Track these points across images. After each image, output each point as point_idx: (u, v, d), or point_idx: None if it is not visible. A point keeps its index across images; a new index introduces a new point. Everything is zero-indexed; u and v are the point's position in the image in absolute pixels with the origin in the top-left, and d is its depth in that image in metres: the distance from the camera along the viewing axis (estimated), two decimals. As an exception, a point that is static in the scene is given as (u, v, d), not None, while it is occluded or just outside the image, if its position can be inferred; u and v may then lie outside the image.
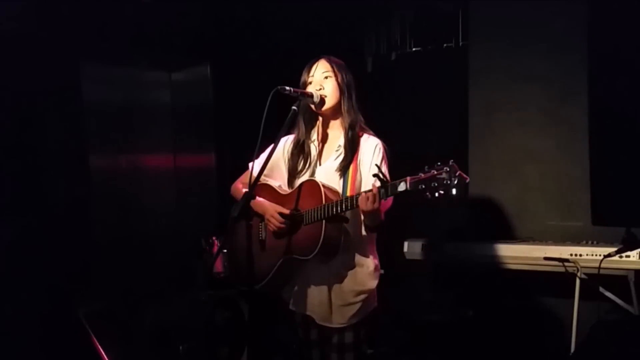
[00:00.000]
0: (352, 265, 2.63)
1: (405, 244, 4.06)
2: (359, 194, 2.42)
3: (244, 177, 2.79)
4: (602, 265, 3.32)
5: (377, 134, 2.69)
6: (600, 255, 3.38)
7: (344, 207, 2.44)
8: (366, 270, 2.64)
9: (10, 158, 3.70)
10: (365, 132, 2.69)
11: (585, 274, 3.46)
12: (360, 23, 4.86)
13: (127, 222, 4.54)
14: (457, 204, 4.21)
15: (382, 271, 2.72)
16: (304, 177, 2.69)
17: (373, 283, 2.66)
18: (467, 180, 2.19)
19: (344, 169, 2.61)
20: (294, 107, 2.60)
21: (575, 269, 3.47)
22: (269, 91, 2.51)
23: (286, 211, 2.60)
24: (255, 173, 2.53)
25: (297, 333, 2.80)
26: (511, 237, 4.01)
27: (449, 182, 2.17)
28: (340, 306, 2.62)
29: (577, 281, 3.49)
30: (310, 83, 2.68)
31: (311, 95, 2.62)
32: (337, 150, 2.67)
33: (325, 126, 2.74)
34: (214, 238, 4.05)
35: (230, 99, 4.61)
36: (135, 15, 4.13)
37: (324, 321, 2.65)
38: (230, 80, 4.63)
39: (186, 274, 4.40)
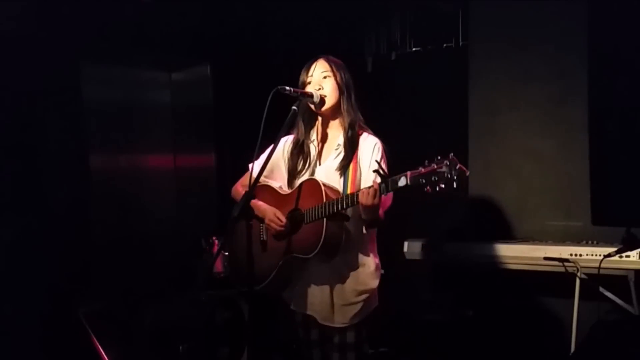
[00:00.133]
0: (354, 265, 2.63)
1: (405, 244, 4.06)
2: (359, 190, 2.42)
3: (244, 179, 2.79)
4: (602, 265, 3.32)
5: (377, 134, 2.69)
6: (600, 255, 3.38)
7: (344, 204, 2.44)
8: (367, 269, 2.64)
9: (10, 158, 3.70)
10: (365, 131, 2.69)
11: (585, 274, 3.46)
12: (360, 23, 4.86)
13: (127, 222, 4.54)
14: (458, 204, 4.22)
15: (382, 271, 2.72)
16: (304, 177, 2.69)
17: (374, 283, 2.67)
18: (467, 174, 2.18)
19: (343, 168, 2.61)
20: (294, 107, 2.61)
21: (575, 269, 3.47)
22: (269, 91, 2.51)
23: (282, 216, 2.60)
24: (255, 174, 2.53)
25: (298, 333, 2.80)
26: (511, 237, 4.01)
27: (449, 175, 2.17)
28: (342, 306, 2.62)
29: (577, 281, 3.49)
30: (309, 83, 2.68)
31: (311, 95, 2.62)
32: (336, 149, 2.67)
33: (325, 126, 2.74)
34: (214, 238, 4.05)
35: (230, 99, 4.61)
36: (135, 15, 4.13)
37: (325, 321, 2.65)
38: (230, 80, 4.63)
39: (186, 274, 4.40)
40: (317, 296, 2.66)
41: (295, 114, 2.62)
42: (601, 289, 3.46)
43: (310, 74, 2.68)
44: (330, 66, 2.67)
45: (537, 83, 4.04)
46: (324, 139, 2.73)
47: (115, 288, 4.06)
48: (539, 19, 4.02)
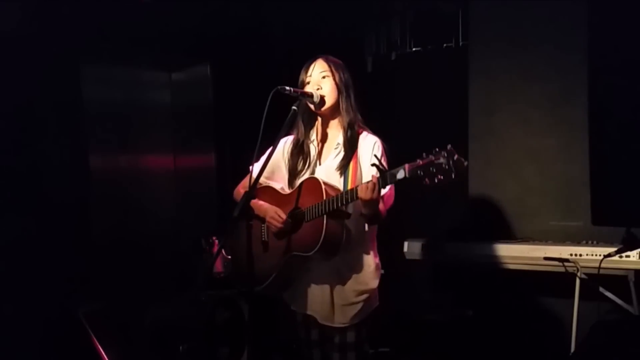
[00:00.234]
0: (354, 265, 2.63)
1: (405, 244, 4.06)
2: (358, 185, 2.42)
3: (245, 182, 2.78)
4: (602, 265, 3.32)
5: (377, 134, 2.69)
6: (600, 255, 3.38)
7: (344, 200, 2.43)
8: (367, 269, 2.65)
9: (10, 158, 3.70)
10: (364, 130, 2.69)
11: (585, 274, 3.46)
12: (360, 23, 4.86)
13: (127, 222, 4.54)
14: (458, 204, 4.22)
15: (382, 271, 2.72)
16: (304, 177, 2.69)
17: (374, 282, 2.67)
18: (466, 164, 2.17)
19: (343, 167, 2.61)
20: (294, 107, 2.61)
21: (575, 269, 3.47)
22: (269, 91, 2.51)
23: (283, 214, 2.60)
24: (258, 180, 2.53)
25: (298, 333, 2.80)
26: (511, 237, 4.01)
27: (447, 166, 2.16)
28: (342, 306, 2.62)
29: (577, 281, 3.49)
30: (308, 83, 2.68)
31: (311, 95, 2.62)
32: (335, 149, 2.67)
33: (325, 126, 2.74)
34: (214, 238, 4.05)
35: (230, 99, 4.61)
36: (135, 15, 4.13)
37: (325, 321, 2.65)
38: (230, 80, 4.63)
39: (186, 274, 4.40)
40: (317, 296, 2.66)
41: (295, 114, 2.62)
42: (601, 289, 3.46)
43: (309, 74, 2.68)
44: (329, 66, 2.67)
45: (537, 83, 4.04)
46: (323, 138, 2.73)
47: (115, 288, 4.06)
48: (539, 19, 4.03)
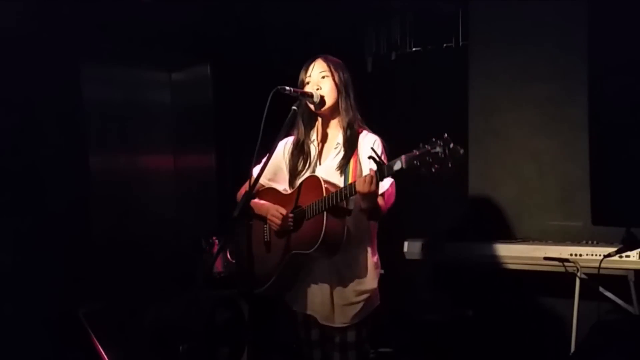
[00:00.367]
0: (354, 265, 2.63)
1: (405, 244, 4.06)
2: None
3: (247, 185, 2.79)
4: (602, 265, 3.32)
5: (377, 134, 2.69)
6: (600, 255, 3.38)
7: (343, 195, 2.43)
8: (368, 269, 2.65)
9: (10, 158, 3.69)
10: (364, 129, 2.69)
11: (585, 274, 3.46)
12: (360, 23, 4.86)
13: (127, 222, 4.54)
14: (458, 203, 4.22)
15: (382, 271, 2.72)
16: (305, 177, 2.69)
17: (374, 282, 2.67)
18: (462, 151, 2.16)
19: (343, 167, 2.61)
20: (294, 107, 2.61)
21: (575, 269, 3.47)
22: (269, 91, 2.51)
23: (283, 210, 2.60)
24: (258, 180, 2.54)
25: (299, 333, 2.80)
26: (511, 237, 4.01)
27: (443, 155, 2.15)
28: (343, 306, 2.62)
29: (577, 281, 3.49)
30: (308, 83, 2.68)
31: (311, 95, 2.62)
32: (335, 148, 2.68)
33: (325, 126, 2.74)
34: (214, 238, 4.05)
35: (230, 99, 4.61)
36: (135, 15, 4.13)
37: (326, 321, 2.65)
38: (230, 80, 4.63)
39: (186, 274, 4.40)
40: (317, 296, 2.66)
41: (295, 114, 2.63)
42: (601, 289, 3.46)
43: (308, 74, 2.68)
44: (329, 66, 2.67)
45: (537, 83, 4.04)
46: (323, 138, 2.73)
47: (115, 288, 4.06)
48: (539, 19, 4.03)
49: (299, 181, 2.69)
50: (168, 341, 3.81)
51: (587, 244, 3.57)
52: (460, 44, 4.46)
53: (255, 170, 2.58)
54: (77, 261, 3.89)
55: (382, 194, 2.52)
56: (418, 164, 2.20)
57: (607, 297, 3.48)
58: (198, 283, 4.14)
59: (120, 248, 4.36)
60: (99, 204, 4.30)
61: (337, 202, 2.45)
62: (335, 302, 2.63)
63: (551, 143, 4.03)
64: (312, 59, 2.71)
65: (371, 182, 2.34)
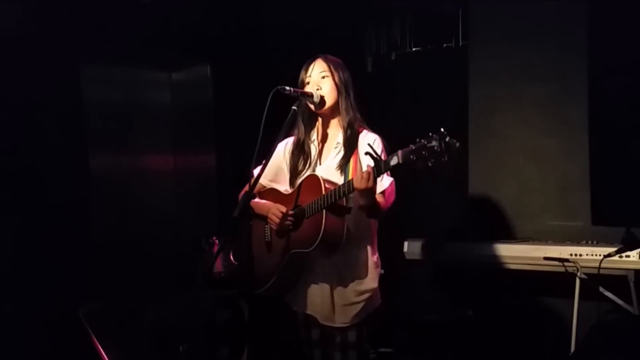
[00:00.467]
0: (354, 265, 2.63)
1: (405, 244, 4.06)
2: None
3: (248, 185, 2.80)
4: (602, 265, 3.32)
5: (377, 134, 2.69)
6: (600, 255, 3.38)
7: (341, 192, 2.44)
8: (368, 269, 2.65)
9: (10, 158, 3.69)
10: (364, 129, 2.69)
11: (585, 274, 3.46)
12: (360, 23, 4.86)
13: (127, 222, 4.54)
14: (457, 200, 4.22)
15: (382, 271, 2.72)
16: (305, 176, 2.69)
17: (374, 282, 2.67)
18: (457, 145, 2.16)
19: (343, 166, 2.61)
20: (294, 107, 2.61)
21: (575, 269, 3.47)
22: (269, 91, 2.51)
23: (283, 209, 2.61)
24: (258, 180, 2.54)
25: (299, 333, 2.80)
26: (511, 237, 4.01)
27: (439, 149, 2.15)
28: (343, 306, 2.62)
29: (577, 281, 3.49)
30: (308, 83, 2.68)
31: (311, 95, 2.62)
32: (335, 148, 2.68)
33: (325, 126, 2.74)
34: (214, 238, 4.05)
35: (230, 99, 4.61)
36: (135, 15, 4.13)
37: (326, 321, 2.65)
38: (230, 80, 4.63)
39: (186, 274, 4.40)
40: (317, 296, 2.66)
41: (295, 114, 2.63)
42: (601, 289, 3.46)
43: (308, 74, 2.68)
44: (329, 66, 2.67)
45: (537, 83, 4.04)
46: (324, 138, 2.74)
47: (115, 288, 4.06)
48: (539, 19, 4.02)
49: (299, 181, 2.69)
50: (168, 341, 3.81)
51: (587, 244, 3.57)
52: (460, 44, 4.45)
53: (256, 171, 2.58)
54: (77, 261, 3.89)
55: (383, 193, 2.52)
56: (414, 158, 2.21)
57: (607, 297, 3.48)
58: (198, 283, 4.14)
59: (120, 248, 4.36)
60: (99, 204, 4.30)
61: (336, 199, 2.45)
62: (335, 302, 2.63)
63: (551, 143, 4.02)
64: (312, 59, 2.71)
65: (368, 178, 2.34)
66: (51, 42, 3.81)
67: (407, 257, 4.05)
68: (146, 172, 4.81)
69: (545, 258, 3.55)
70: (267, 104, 2.48)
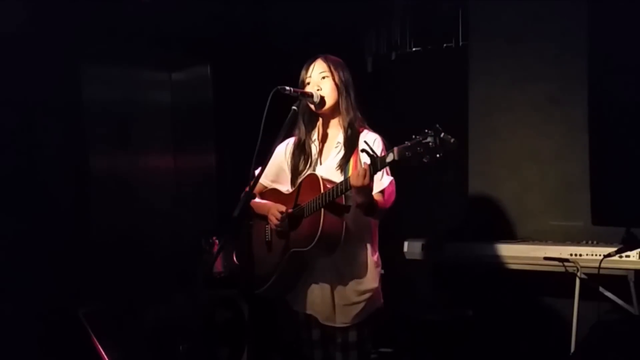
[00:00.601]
0: (354, 264, 2.63)
1: (405, 244, 4.06)
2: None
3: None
4: (602, 265, 3.32)
5: (377, 133, 2.69)
6: (600, 255, 3.38)
7: (339, 191, 2.44)
8: (368, 269, 2.65)
9: (10, 158, 3.69)
10: (365, 129, 2.69)
11: (585, 274, 3.46)
12: (360, 23, 4.86)
13: (126, 222, 4.53)
14: (456, 200, 4.22)
15: (382, 271, 2.72)
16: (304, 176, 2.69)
17: (375, 281, 2.66)
18: (452, 140, 2.16)
19: (344, 165, 2.61)
20: (294, 107, 2.61)
21: (575, 269, 3.47)
22: (269, 91, 2.51)
23: (283, 208, 2.61)
24: (258, 180, 2.54)
25: (299, 333, 2.80)
26: (511, 237, 4.01)
27: (434, 145, 2.16)
28: (344, 306, 2.62)
29: (577, 281, 3.49)
30: (309, 83, 2.68)
31: (311, 95, 2.63)
32: (336, 148, 2.68)
33: (325, 126, 2.74)
34: (214, 238, 4.05)
35: (230, 99, 4.61)
36: (135, 15, 4.13)
37: (327, 321, 2.65)
38: (230, 80, 4.63)
39: (186, 274, 4.40)
40: (318, 296, 2.66)
41: (295, 114, 2.63)
42: (601, 289, 3.46)
43: (309, 74, 2.68)
44: (329, 66, 2.67)
45: (537, 83, 4.04)
46: (324, 138, 2.74)
47: (115, 288, 4.06)
48: (538, 19, 4.03)
49: (299, 181, 2.69)
50: (168, 341, 3.81)
51: (587, 244, 3.57)
52: (460, 44, 4.45)
53: (258, 172, 2.58)
54: (77, 261, 3.89)
55: (382, 192, 2.52)
56: (409, 155, 2.21)
57: (607, 297, 3.48)
58: (198, 283, 4.14)
59: (120, 248, 4.36)
60: (99, 203, 4.30)
61: (334, 197, 2.45)
62: (336, 302, 2.63)
63: (551, 143, 4.03)
64: (312, 59, 2.71)
65: (365, 175, 2.34)
66: (51, 42, 3.81)
67: (407, 257, 4.05)
68: (146, 172, 4.80)
69: (545, 258, 3.55)
70: (267, 104, 2.48)
